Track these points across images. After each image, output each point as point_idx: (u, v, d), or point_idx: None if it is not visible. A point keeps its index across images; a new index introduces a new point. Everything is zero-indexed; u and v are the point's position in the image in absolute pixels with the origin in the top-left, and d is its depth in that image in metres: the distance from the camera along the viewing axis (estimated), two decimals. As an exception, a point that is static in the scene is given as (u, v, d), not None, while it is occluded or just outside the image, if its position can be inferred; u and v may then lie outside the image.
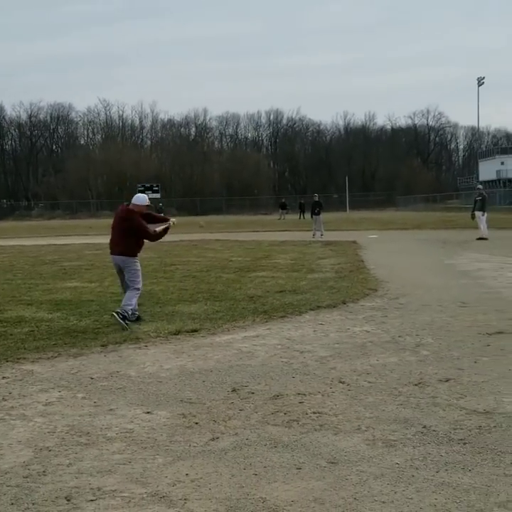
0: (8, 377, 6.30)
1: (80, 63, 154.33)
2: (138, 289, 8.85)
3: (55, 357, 7.07)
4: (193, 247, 23.43)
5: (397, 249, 20.63)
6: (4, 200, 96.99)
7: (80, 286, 12.92)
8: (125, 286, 8.96)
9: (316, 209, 29.21)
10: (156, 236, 9.04)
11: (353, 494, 3.69)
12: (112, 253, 9.01)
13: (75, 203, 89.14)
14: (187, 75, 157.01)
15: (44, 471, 4.09)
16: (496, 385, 5.67)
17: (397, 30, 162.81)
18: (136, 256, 8.94)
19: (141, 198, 9.06)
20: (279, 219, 55.51)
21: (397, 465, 4.06)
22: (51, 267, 16.71)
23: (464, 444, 4.37)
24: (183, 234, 33.46)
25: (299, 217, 57.95)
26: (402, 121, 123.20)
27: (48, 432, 4.79)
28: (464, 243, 22.17)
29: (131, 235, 8.80)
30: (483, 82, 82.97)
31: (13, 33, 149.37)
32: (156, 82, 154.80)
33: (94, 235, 33.42)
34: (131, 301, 8.64)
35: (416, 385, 5.76)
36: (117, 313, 8.45)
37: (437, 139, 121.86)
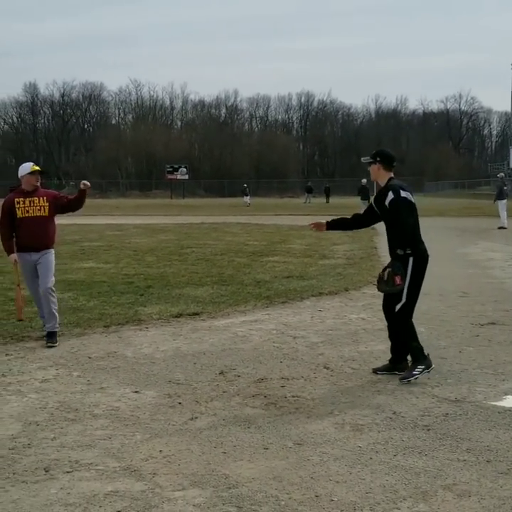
0: (11, 355, 6.64)
1: (112, 43, 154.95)
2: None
3: (59, 336, 7.37)
4: (212, 230, 23.73)
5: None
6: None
7: (95, 266, 13.28)
8: (41, 290, 7.20)
9: (363, 194, 29.33)
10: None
11: (311, 474, 3.92)
12: (35, 250, 7.19)
13: (104, 182, 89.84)
14: (218, 56, 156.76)
15: (29, 444, 4.39)
16: (474, 374, 5.85)
17: (431, 14, 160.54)
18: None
19: (24, 167, 7.27)
20: (305, 203, 55.55)
21: (359, 448, 4.29)
22: (70, 247, 17.07)
23: (428, 430, 4.58)
24: (207, 216, 33.82)
25: (325, 201, 58.01)
26: (434, 106, 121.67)
27: (39, 408, 5.10)
28: (482, 232, 22.19)
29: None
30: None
31: (46, 9, 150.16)
32: (187, 63, 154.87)
33: (119, 216, 33.93)
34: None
35: (397, 373, 5.96)
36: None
37: (470, 123, 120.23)
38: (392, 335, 5.98)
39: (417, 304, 8.78)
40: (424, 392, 5.41)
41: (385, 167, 5.91)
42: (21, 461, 4.12)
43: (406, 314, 5.75)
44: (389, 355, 6.02)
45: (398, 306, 5.74)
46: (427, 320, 8.06)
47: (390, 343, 6.04)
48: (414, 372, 5.63)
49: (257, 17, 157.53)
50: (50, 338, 7.08)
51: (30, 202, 7.17)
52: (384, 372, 5.90)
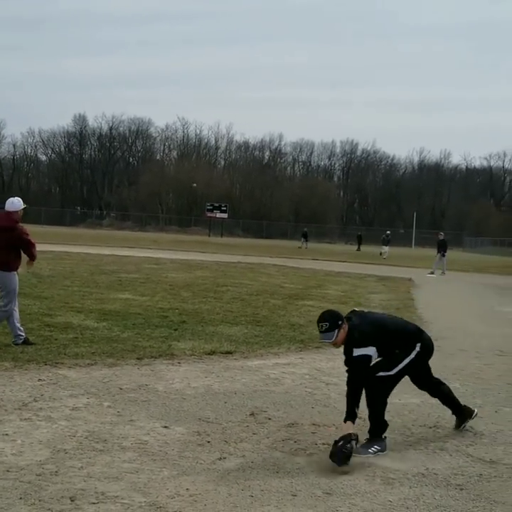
0: (44, 380, 6.66)
1: (161, 80, 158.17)
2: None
3: (91, 365, 7.41)
4: (248, 270, 23.76)
5: (451, 290, 20.48)
6: (78, 208, 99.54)
7: (131, 298, 13.35)
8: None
9: (442, 248, 29.23)
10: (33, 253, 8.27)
11: (339, 525, 3.83)
12: None
13: (144, 215, 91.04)
14: (265, 99, 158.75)
15: (56, 472, 4.37)
16: (510, 435, 5.70)
17: (481, 71, 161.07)
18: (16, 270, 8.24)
19: (16, 203, 8.14)
20: (300, 248, 54.44)
21: (389, 502, 4.19)
22: (108, 277, 17.26)
23: (461, 489, 4.45)
24: (244, 256, 33.92)
25: (356, 248, 57.89)
26: (477, 162, 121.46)
27: (69, 436, 5.09)
28: (522, 290, 21.84)
29: (14, 247, 8.11)
30: None
31: (102, 47, 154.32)
32: (234, 105, 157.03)
33: (157, 249, 34.14)
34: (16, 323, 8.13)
35: (430, 427, 5.85)
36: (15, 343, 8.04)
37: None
38: (439, 396, 5.79)
39: (453, 361, 8.69)
40: (458, 450, 5.28)
41: None
42: (48, 488, 4.10)
43: (386, 387, 5.31)
44: (424, 408, 5.90)
45: (384, 374, 5.26)
46: (462, 377, 7.91)
47: (425, 397, 5.94)
48: (370, 451, 5.10)
49: (307, 66, 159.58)
50: None
51: None
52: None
